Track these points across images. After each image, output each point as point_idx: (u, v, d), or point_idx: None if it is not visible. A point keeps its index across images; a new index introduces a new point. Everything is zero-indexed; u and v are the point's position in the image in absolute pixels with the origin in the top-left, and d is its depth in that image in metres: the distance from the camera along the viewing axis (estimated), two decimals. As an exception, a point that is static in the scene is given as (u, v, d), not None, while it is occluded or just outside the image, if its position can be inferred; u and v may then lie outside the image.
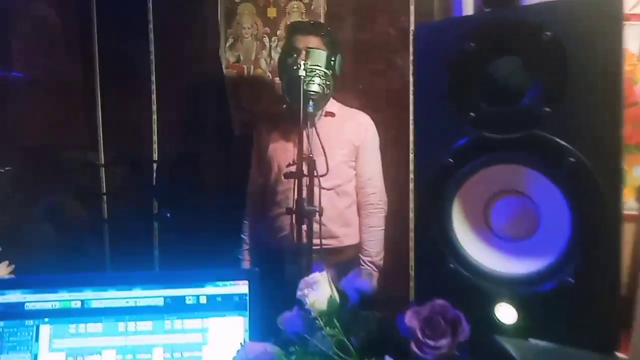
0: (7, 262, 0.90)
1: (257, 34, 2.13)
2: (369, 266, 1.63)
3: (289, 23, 2.01)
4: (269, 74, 2.14)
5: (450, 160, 0.75)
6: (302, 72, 1.37)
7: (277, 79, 2.12)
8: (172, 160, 2.02)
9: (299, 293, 0.65)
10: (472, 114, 0.74)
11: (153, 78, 2.17)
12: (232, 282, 0.72)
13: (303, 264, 1.25)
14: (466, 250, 0.77)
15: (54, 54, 1.98)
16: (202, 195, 1.90)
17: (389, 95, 2.10)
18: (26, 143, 1.72)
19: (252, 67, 2.15)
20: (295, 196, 1.50)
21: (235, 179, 1.87)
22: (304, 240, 1.32)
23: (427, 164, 0.79)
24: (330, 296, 0.65)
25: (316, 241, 1.37)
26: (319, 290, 0.64)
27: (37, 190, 1.55)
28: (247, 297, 0.72)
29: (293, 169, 1.54)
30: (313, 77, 1.40)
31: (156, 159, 1.72)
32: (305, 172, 1.36)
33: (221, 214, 1.65)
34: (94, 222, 1.83)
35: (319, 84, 1.42)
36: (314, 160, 1.33)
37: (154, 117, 2.19)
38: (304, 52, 1.55)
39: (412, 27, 2.04)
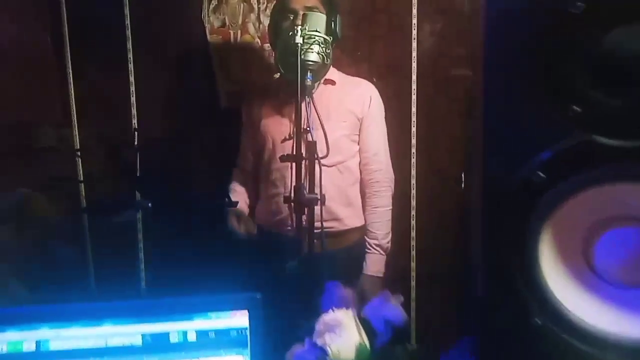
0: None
1: (244, -7, 1.91)
2: (375, 249, 1.50)
3: None
4: (257, 40, 1.94)
5: (541, 175, 0.54)
6: (299, 40, 1.20)
7: (267, 46, 1.92)
8: (152, 139, 1.84)
9: (317, 340, 0.51)
10: (576, 107, 0.52)
11: (129, 45, 1.95)
12: (227, 313, 0.57)
13: (307, 268, 1.12)
14: (558, 299, 0.56)
15: (16, 21, 1.75)
16: (187, 180, 1.73)
17: (389, 62, 1.93)
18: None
19: (239, 32, 1.94)
20: (294, 182, 1.38)
21: (224, 159, 1.71)
22: (304, 230, 1.19)
23: (501, 179, 0.57)
24: (360, 344, 0.51)
25: (316, 224, 1.24)
26: (343, 336, 0.50)
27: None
28: (248, 332, 0.57)
29: (289, 143, 1.41)
30: (312, 44, 1.22)
31: (136, 142, 1.54)
32: (304, 153, 1.21)
33: (209, 202, 1.50)
34: (69, 218, 1.66)
35: (318, 53, 1.24)
36: (315, 143, 1.18)
37: (132, 88, 1.99)
38: (300, 14, 1.37)
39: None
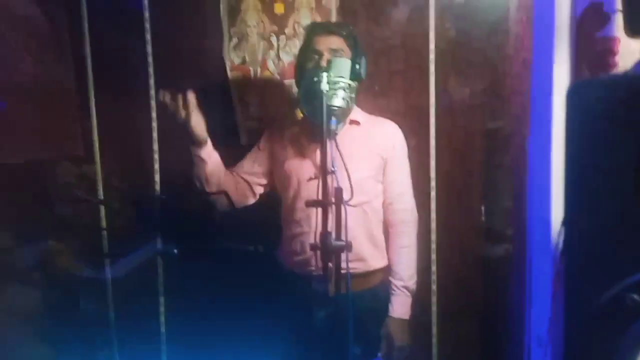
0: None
1: (263, 32, 1.95)
2: (401, 291, 1.48)
3: (308, 24, 1.83)
4: (277, 76, 1.97)
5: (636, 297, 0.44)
6: (324, 86, 1.21)
7: (286, 81, 1.95)
8: (174, 181, 1.85)
9: None
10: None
11: (151, 82, 1.99)
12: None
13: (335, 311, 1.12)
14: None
15: (40, 57, 1.79)
16: (211, 223, 1.74)
17: (407, 97, 1.94)
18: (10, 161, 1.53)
19: (258, 69, 1.97)
20: (319, 224, 1.38)
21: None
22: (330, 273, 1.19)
23: (586, 299, 0.47)
24: None
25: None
26: None
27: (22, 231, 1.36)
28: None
29: (314, 183, 1.41)
30: (337, 90, 1.23)
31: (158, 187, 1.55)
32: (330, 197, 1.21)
33: (235, 246, 1.50)
34: (93, 271, 1.66)
35: (343, 98, 1.26)
36: (341, 189, 1.18)
37: (154, 124, 2.01)
38: (325, 56, 1.39)
39: (432, 23, 1.87)
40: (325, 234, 1.16)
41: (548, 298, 0.73)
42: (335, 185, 1.21)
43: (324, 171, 1.20)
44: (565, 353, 0.53)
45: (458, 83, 1.93)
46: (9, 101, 1.50)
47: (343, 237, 1.17)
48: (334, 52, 1.41)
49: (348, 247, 1.16)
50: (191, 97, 1.37)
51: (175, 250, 1.22)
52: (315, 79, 1.24)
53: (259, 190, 1.58)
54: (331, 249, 1.15)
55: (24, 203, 1.52)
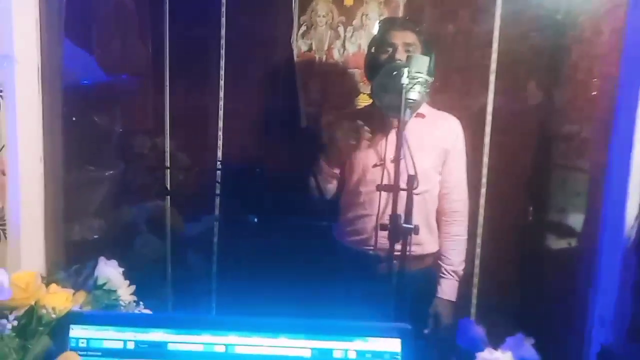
0: (127, 282, 0.88)
1: (332, 22, 2.03)
2: (451, 275, 1.59)
3: (384, 18, 1.90)
4: (341, 64, 2.05)
5: None
6: (405, 80, 1.29)
7: (350, 70, 2.04)
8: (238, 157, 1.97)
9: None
10: None
11: (222, 63, 2.10)
12: (382, 339, 0.68)
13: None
14: None
15: (127, 39, 1.93)
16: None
17: (465, 94, 2.00)
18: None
19: (324, 57, 2.06)
20: (382, 207, 1.49)
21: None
22: (399, 259, 1.28)
23: None
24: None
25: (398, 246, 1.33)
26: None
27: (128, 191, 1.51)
28: (400, 356, 0.67)
29: (378, 169, 1.52)
30: (415, 84, 1.32)
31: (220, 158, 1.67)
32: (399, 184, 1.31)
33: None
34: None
35: (419, 92, 1.33)
36: (414, 176, 1.27)
37: (221, 103, 2.13)
38: (399, 49, 1.47)
39: (497, 23, 1.92)
40: (394, 215, 1.26)
41: (615, 285, 0.81)
42: (407, 172, 1.29)
43: (397, 161, 1.29)
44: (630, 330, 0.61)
45: (518, 84, 1.99)
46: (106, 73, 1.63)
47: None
48: (407, 46, 1.50)
49: (416, 230, 1.26)
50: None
51: (256, 219, 1.34)
52: (395, 72, 1.33)
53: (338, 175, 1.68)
54: (401, 230, 1.25)
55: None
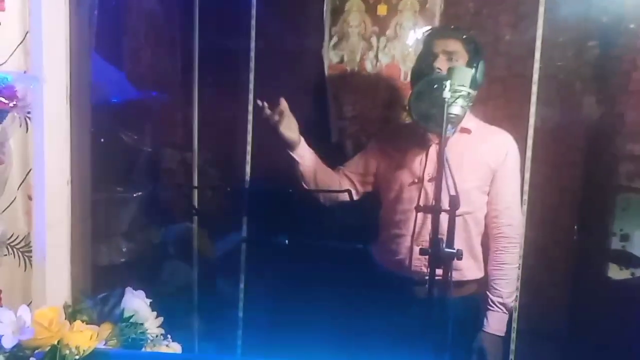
0: (154, 314, 0.83)
1: (364, 33, 1.97)
2: (499, 308, 1.47)
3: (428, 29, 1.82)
4: (374, 77, 1.99)
5: None
6: (446, 94, 1.21)
7: (384, 83, 1.97)
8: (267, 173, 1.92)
9: None
10: None
11: (251, 77, 2.06)
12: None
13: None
14: None
15: (157, 50, 1.91)
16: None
17: (507, 104, 1.90)
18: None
19: (356, 68, 2.00)
20: (418, 227, 1.41)
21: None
22: (437, 285, 1.20)
23: None
24: None
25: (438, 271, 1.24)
26: None
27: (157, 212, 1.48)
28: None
29: (415, 187, 1.44)
30: (457, 98, 1.24)
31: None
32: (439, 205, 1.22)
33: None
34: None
35: (461, 106, 1.25)
36: (456, 196, 1.19)
37: (249, 117, 2.09)
38: (440, 58, 1.40)
39: (539, 32, 1.81)
40: (436, 239, 1.17)
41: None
42: (449, 193, 1.21)
43: (438, 182, 1.21)
44: None
45: (562, 96, 1.88)
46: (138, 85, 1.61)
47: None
48: (449, 54, 1.42)
49: (458, 255, 1.17)
50: (283, 102, 1.43)
51: (287, 241, 1.28)
52: (435, 85, 1.25)
53: (362, 188, 1.62)
54: (442, 255, 1.16)
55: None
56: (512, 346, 1.93)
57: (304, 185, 1.55)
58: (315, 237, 1.61)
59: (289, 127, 1.45)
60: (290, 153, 1.50)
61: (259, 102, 1.45)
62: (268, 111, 1.44)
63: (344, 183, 1.59)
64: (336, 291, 1.73)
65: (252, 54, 2.04)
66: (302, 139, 1.51)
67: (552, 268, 1.93)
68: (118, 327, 0.81)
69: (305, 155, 1.52)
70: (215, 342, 1.89)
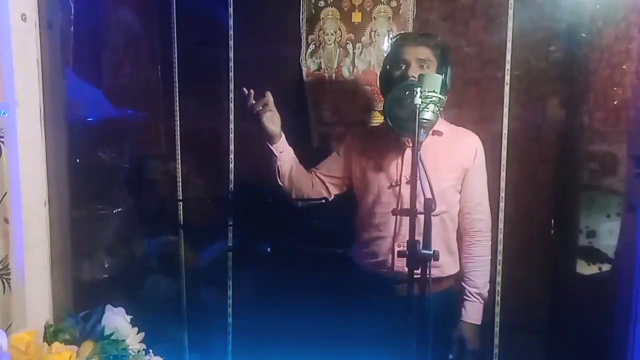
0: (135, 330, 0.85)
1: (340, 40, 2.00)
2: (475, 298, 1.53)
3: (396, 34, 1.86)
4: (351, 83, 2.02)
5: None
6: (417, 100, 1.24)
7: (360, 88, 2.00)
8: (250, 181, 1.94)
9: None
10: None
11: (231, 86, 2.08)
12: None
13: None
14: None
15: (135, 64, 1.92)
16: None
17: (481, 107, 1.95)
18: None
19: (333, 75, 2.03)
20: (398, 229, 1.44)
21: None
22: (418, 283, 1.23)
23: None
24: None
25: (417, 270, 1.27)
26: None
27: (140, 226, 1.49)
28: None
29: (394, 191, 1.47)
30: (428, 104, 1.27)
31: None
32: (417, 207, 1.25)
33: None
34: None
35: (433, 111, 1.29)
36: (431, 199, 1.22)
37: (231, 126, 2.11)
38: (412, 66, 1.43)
39: (509, 34, 1.86)
40: (412, 242, 1.20)
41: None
42: (425, 195, 1.24)
43: (413, 184, 1.24)
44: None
45: (534, 96, 1.92)
46: (115, 101, 1.62)
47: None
48: (421, 62, 1.45)
49: (435, 256, 1.20)
50: (268, 95, 1.48)
51: (269, 249, 1.30)
52: (407, 92, 1.28)
53: (334, 190, 1.65)
54: (419, 257, 1.19)
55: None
56: (496, 340, 1.97)
57: (279, 181, 1.58)
58: (297, 242, 1.63)
59: (272, 121, 1.49)
60: (270, 146, 1.53)
61: (245, 90, 1.48)
62: (253, 100, 1.47)
63: (316, 184, 1.62)
64: (322, 295, 1.75)
65: (232, 63, 2.07)
66: (284, 135, 1.54)
67: (532, 263, 1.97)
68: (99, 345, 0.82)
69: (284, 150, 1.55)
70: (204, 353, 1.90)
